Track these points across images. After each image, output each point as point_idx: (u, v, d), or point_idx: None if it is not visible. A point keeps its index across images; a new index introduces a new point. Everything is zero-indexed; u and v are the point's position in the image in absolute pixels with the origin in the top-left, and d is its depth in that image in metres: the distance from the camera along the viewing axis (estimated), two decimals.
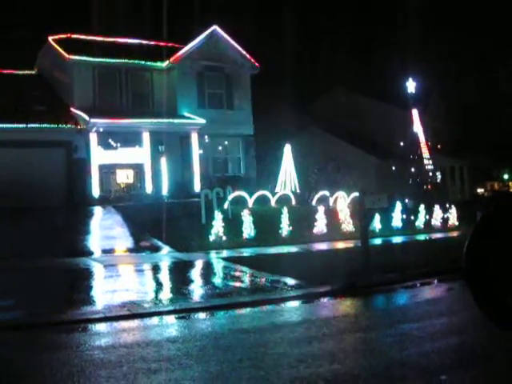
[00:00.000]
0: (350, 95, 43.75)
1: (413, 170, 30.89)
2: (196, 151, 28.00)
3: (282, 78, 45.38)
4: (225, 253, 17.94)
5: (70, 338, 8.21)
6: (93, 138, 25.93)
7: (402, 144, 31.36)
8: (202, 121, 28.05)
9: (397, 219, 25.60)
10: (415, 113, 31.42)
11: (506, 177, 61.45)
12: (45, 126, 25.60)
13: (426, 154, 32.03)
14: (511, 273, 6.23)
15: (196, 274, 14.91)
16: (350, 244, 19.66)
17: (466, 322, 8.25)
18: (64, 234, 18.75)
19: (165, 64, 29.25)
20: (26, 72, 30.75)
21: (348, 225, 23.01)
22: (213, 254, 17.64)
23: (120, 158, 26.95)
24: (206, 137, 28.89)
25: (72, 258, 16.19)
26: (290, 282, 12.36)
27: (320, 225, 22.26)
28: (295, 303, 10.82)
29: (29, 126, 25.07)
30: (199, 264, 16.08)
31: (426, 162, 31.60)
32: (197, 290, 12.03)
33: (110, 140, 26.64)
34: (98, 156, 26.01)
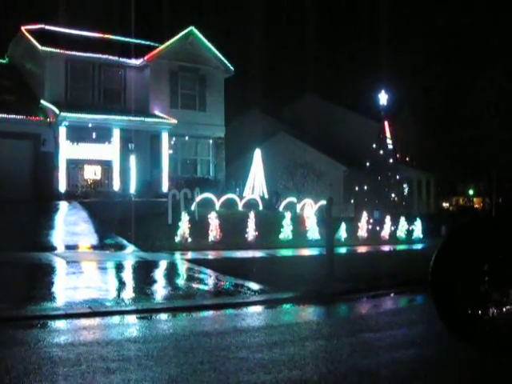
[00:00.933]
0: (322, 103, 44.06)
1: (380, 180, 31.16)
2: (166, 151, 27.86)
3: (255, 83, 45.50)
4: (190, 254, 17.86)
5: (27, 334, 8.06)
6: (62, 131, 25.61)
7: (371, 154, 31.60)
8: (174, 121, 27.93)
9: (363, 229, 25.81)
10: (386, 124, 31.74)
11: (471, 192, 62.45)
12: (13, 116, 25.21)
13: (394, 165, 32.32)
14: (475, 288, 6.33)
15: (160, 274, 14.80)
16: (315, 251, 19.76)
17: (427, 334, 8.34)
18: (27, 228, 18.45)
19: (139, 62, 29.06)
20: None
21: (314, 232, 23.11)
22: (177, 255, 17.54)
23: (88, 153, 26.70)
24: (175, 138, 28.77)
25: (34, 253, 15.94)
26: (254, 286, 12.35)
27: (286, 231, 22.32)
28: (258, 308, 10.81)
29: None
30: (163, 264, 15.97)
31: (393, 173, 31.89)
32: (160, 290, 11.93)
33: (79, 135, 26.35)
34: (66, 150, 25.70)
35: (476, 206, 59.09)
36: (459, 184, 60.28)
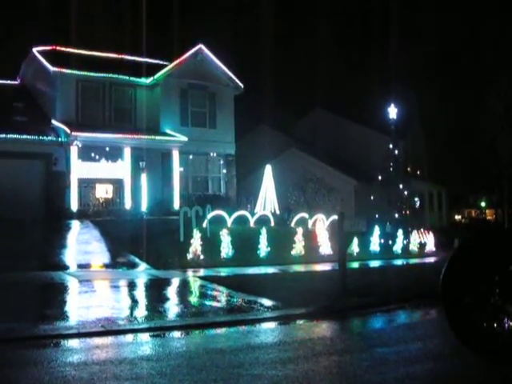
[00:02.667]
0: (332, 118, 44.14)
1: (392, 194, 31.06)
2: (177, 169, 27.96)
3: (265, 99, 45.66)
4: (202, 271, 17.84)
5: (41, 353, 8.05)
6: (73, 151, 25.79)
7: (382, 168, 31.53)
8: (184, 139, 28.05)
9: (375, 243, 25.71)
10: (395, 138, 31.69)
11: (482, 204, 62.13)
12: (25, 137, 25.43)
13: (405, 178, 32.22)
14: (487, 300, 6.28)
15: (172, 292, 14.78)
16: (327, 267, 19.68)
17: (442, 348, 8.25)
18: (40, 247, 18.52)
19: (149, 80, 29.27)
20: (9, 82, 30.56)
21: (326, 247, 23.04)
22: (190, 273, 17.53)
23: (100, 172, 26.85)
24: (186, 155, 28.87)
25: (47, 272, 15.98)
26: (267, 303, 12.30)
27: (298, 247, 22.27)
28: (271, 324, 10.75)
29: (8, 136, 24.88)
30: (176, 282, 15.96)
31: (404, 187, 31.78)
32: (172, 308, 11.91)
33: (90, 154, 26.54)
34: (78, 170, 25.86)
35: (488, 217, 58.77)
36: (471, 196, 60.02)
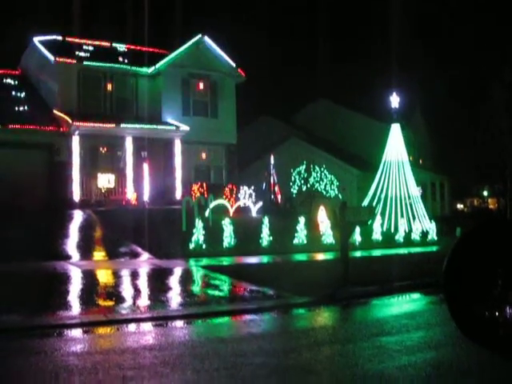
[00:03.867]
0: (334, 107, 44.02)
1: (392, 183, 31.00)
2: (179, 158, 27.93)
3: (267, 89, 45.57)
4: (204, 261, 17.86)
5: (43, 343, 8.09)
6: (75, 141, 25.76)
7: (384, 157, 31.46)
8: (186, 128, 28.00)
9: (377, 232, 25.71)
10: (397, 127, 31.60)
11: (485, 193, 62.10)
12: (26, 127, 25.37)
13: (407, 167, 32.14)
14: (489, 291, 6.28)
15: (174, 281, 14.82)
16: (329, 256, 19.70)
17: (444, 337, 8.28)
18: (42, 237, 18.54)
19: (150, 70, 29.18)
20: (9, 72, 30.47)
21: (328, 237, 23.05)
22: (192, 262, 17.55)
23: (102, 162, 26.83)
24: (188, 145, 28.84)
25: (49, 262, 16.02)
26: (269, 292, 12.33)
27: (300, 236, 22.28)
28: (274, 313, 10.78)
29: (10, 126, 24.84)
30: (178, 271, 16.00)
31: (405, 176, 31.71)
32: (175, 297, 11.94)
33: (92, 144, 26.53)
34: (80, 159, 25.83)
35: (491, 207, 58.74)
36: (474, 185, 59.97)
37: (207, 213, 22.17)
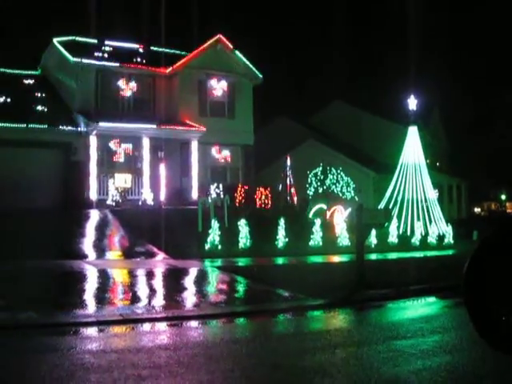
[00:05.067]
0: (350, 109, 43.90)
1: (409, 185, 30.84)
2: (195, 159, 28.00)
3: (283, 90, 45.50)
4: (220, 261, 17.89)
5: (60, 340, 8.14)
6: (92, 141, 25.94)
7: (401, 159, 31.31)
8: (203, 129, 28.07)
9: (393, 235, 25.60)
10: (415, 130, 31.42)
11: (503, 197, 61.58)
12: (45, 126, 25.60)
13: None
14: (509, 295, 6.23)
15: (190, 281, 14.86)
16: (345, 258, 19.65)
17: (460, 341, 8.22)
18: (59, 236, 18.69)
19: (168, 70, 29.30)
20: (30, 72, 30.76)
21: (344, 239, 23.00)
22: (207, 263, 17.59)
23: (119, 162, 26.98)
24: (204, 145, 28.92)
25: (66, 261, 16.14)
26: (284, 293, 12.32)
27: (316, 238, 22.25)
28: (289, 315, 10.77)
29: (29, 126, 25.08)
30: (193, 272, 16.03)
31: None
32: (190, 297, 11.98)
33: (109, 144, 26.70)
34: (97, 159, 26.00)
35: (509, 210, 58.21)
36: (491, 189, 59.49)
37: (223, 213, 22.15)
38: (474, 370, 6.68)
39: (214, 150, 29.99)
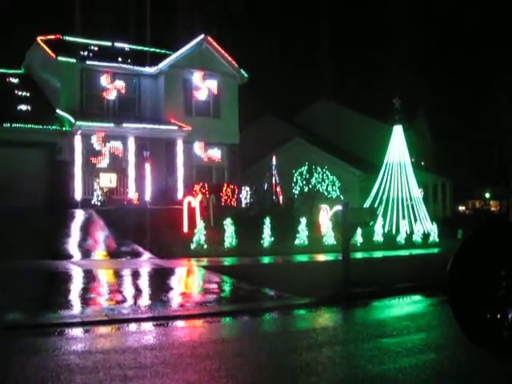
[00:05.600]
0: (336, 108, 44.00)
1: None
2: (181, 158, 27.95)
3: (269, 88, 45.48)
4: (205, 261, 17.88)
5: (45, 341, 8.10)
6: (77, 140, 25.80)
7: (386, 158, 31.46)
8: (188, 128, 28.01)
9: (378, 234, 25.72)
10: (400, 129, 31.60)
11: (487, 195, 62.07)
12: (29, 126, 25.42)
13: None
14: (493, 293, 6.29)
15: (175, 281, 14.83)
16: (330, 257, 19.72)
17: (445, 339, 8.28)
18: (43, 236, 18.54)
19: (153, 70, 29.21)
20: (13, 71, 30.52)
21: (330, 238, 23.06)
22: (193, 262, 17.57)
23: (104, 161, 26.87)
24: (190, 145, 28.88)
25: (50, 261, 16.06)
26: (270, 292, 12.34)
27: (301, 236, 22.29)
28: (274, 314, 10.78)
29: (13, 125, 24.89)
30: (179, 271, 16.01)
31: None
32: (176, 297, 11.95)
33: (94, 143, 26.56)
34: (82, 159, 25.87)
35: (493, 209, 58.68)
36: (476, 187, 59.93)
37: (209, 213, 22.15)
38: (459, 367, 6.73)
39: (199, 150, 29.94)
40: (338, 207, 23.01)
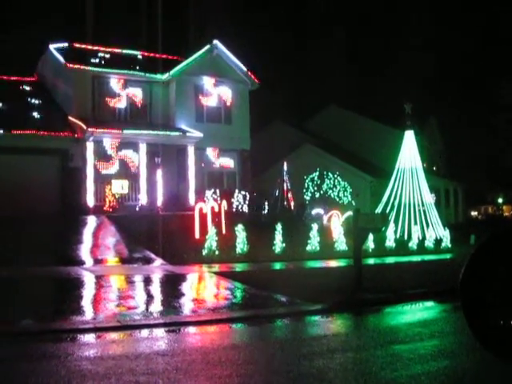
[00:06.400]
0: (346, 113, 43.98)
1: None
2: (192, 164, 28.01)
3: (280, 95, 45.50)
4: (217, 267, 17.86)
5: (57, 347, 8.12)
6: (89, 147, 25.93)
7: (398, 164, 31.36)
8: (199, 134, 28.08)
9: (390, 239, 25.60)
10: (411, 134, 31.48)
11: (500, 201, 61.70)
12: (41, 133, 25.56)
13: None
14: (507, 300, 6.23)
15: (187, 287, 14.83)
16: (342, 263, 19.63)
17: (458, 345, 8.22)
18: (56, 242, 18.65)
19: (164, 76, 29.33)
20: (26, 79, 30.78)
21: (341, 243, 22.98)
22: (205, 268, 17.56)
23: (115, 168, 26.97)
24: (201, 151, 28.95)
25: (63, 267, 16.10)
26: (282, 298, 12.31)
27: (313, 242, 22.22)
28: (286, 320, 10.76)
29: (25, 132, 25.05)
30: (191, 278, 16.01)
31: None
32: (187, 303, 11.95)
33: (106, 150, 26.69)
34: (94, 165, 26.00)
35: (506, 214, 58.29)
36: (488, 192, 59.62)
37: (220, 219, 22.16)
38: (472, 374, 6.68)
39: (210, 156, 30.00)
40: (350, 213, 22.96)
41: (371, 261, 21.07)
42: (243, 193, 27.78)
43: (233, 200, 26.57)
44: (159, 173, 26.74)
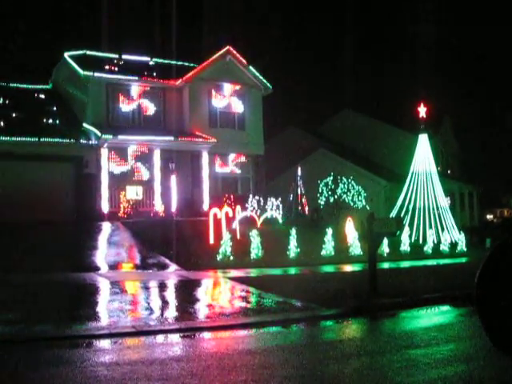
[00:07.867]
0: (360, 118, 43.89)
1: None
2: (206, 170, 28.08)
3: (293, 100, 45.52)
4: (232, 272, 17.87)
5: (73, 353, 8.16)
6: (104, 153, 26.09)
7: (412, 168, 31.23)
8: (213, 140, 28.15)
9: (405, 243, 25.49)
10: (425, 138, 31.35)
11: None
12: (57, 140, 25.77)
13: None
14: None
15: (202, 293, 14.85)
16: (357, 267, 19.58)
17: (474, 350, 8.15)
18: (71, 248, 18.77)
19: (178, 82, 29.45)
20: (41, 86, 31.05)
21: (356, 248, 22.92)
22: (219, 274, 17.58)
23: (130, 174, 27.11)
24: (215, 156, 29.00)
25: (78, 273, 16.19)
26: (297, 303, 12.28)
27: (328, 247, 22.19)
28: (301, 325, 10.73)
29: (41, 139, 25.25)
30: (205, 283, 16.03)
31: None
32: (202, 309, 11.96)
33: (120, 156, 26.83)
34: (109, 172, 26.15)
35: None
36: (503, 195, 59.19)
37: (235, 224, 22.20)
38: (489, 379, 6.62)
39: (224, 161, 30.05)
40: (364, 217, 22.88)
41: (386, 265, 20.99)
42: (257, 198, 27.78)
43: (247, 205, 26.59)
44: (173, 178, 26.85)
